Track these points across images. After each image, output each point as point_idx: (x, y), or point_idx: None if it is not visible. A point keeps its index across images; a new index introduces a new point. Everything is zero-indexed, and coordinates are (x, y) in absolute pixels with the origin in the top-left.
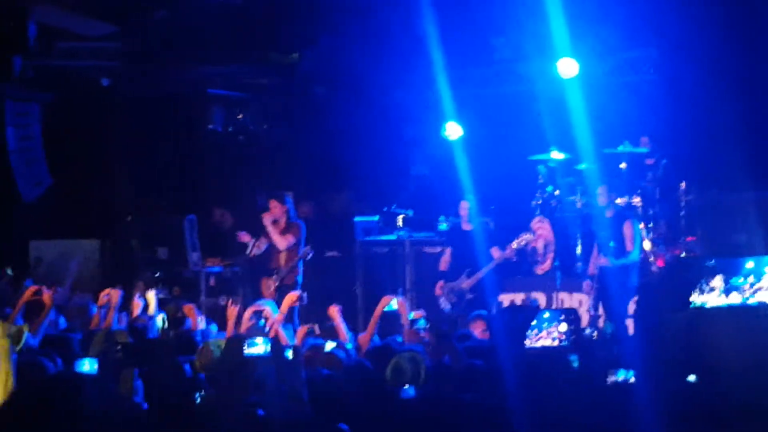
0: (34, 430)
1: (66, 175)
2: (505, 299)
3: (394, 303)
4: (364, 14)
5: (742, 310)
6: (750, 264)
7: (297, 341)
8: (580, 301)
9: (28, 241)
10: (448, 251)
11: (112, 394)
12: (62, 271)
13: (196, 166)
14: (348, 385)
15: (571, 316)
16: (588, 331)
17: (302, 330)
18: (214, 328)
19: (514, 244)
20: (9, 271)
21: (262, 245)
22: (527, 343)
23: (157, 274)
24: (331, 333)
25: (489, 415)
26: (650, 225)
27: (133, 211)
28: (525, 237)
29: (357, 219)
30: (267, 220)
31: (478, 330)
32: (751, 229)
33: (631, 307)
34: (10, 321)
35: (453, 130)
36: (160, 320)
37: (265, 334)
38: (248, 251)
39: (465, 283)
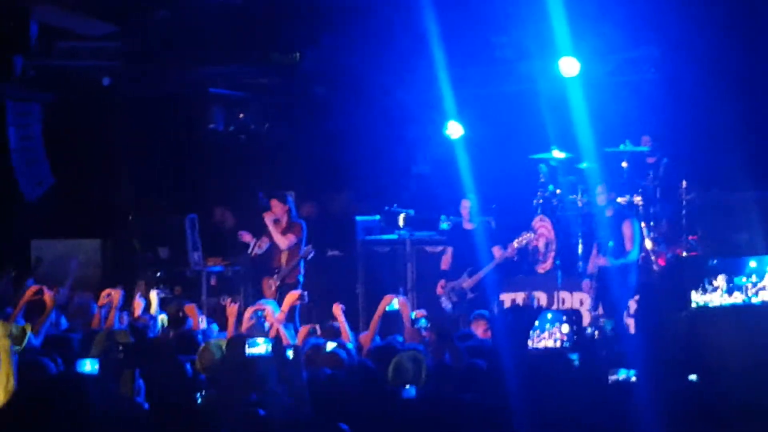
0: (35, 431)
1: (67, 174)
2: (507, 298)
3: (395, 302)
4: (365, 14)
5: (744, 309)
6: (753, 263)
7: (298, 341)
8: (581, 300)
9: (30, 240)
10: (449, 250)
11: (113, 395)
12: (63, 270)
13: (197, 166)
14: (350, 384)
15: (573, 317)
16: (589, 330)
17: (304, 330)
18: (215, 327)
19: (516, 243)
20: (11, 273)
21: (264, 245)
22: (530, 344)
23: (159, 274)
24: (333, 333)
25: (490, 415)
26: (651, 224)
27: (134, 211)
28: (526, 236)
29: (358, 218)
30: (268, 219)
31: (479, 330)
32: (753, 229)
33: (632, 306)
34: (11, 321)
35: (454, 129)
36: (161, 320)
37: (266, 334)
38: (249, 251)
39: (466, 282)
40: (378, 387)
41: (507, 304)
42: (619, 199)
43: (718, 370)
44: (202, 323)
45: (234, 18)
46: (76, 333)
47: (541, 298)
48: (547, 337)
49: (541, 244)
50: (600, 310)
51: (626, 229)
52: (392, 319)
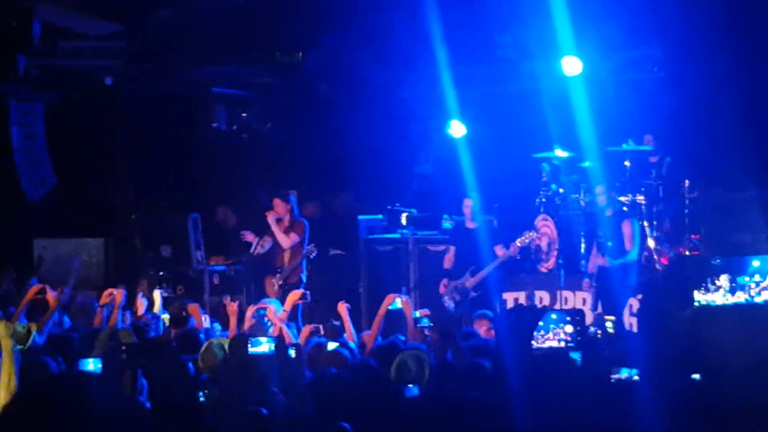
0: (37, 430)
1: (70, 174)
2: (509, 297)
3: (398, 302)
4: (368, 13)
5: (747, 308)
6: (756, 263)
7: (301, 341)
8: (584, 299)
9: (32, 240)
10: (451, 249)
11: (116, 394)
12: (66, 270)
13: (200, 165)
14: (353, 383)
15: (577, 317)
16: (592, 329)
17: (307, 330)
18: (218, 326)
19: (518, 242)
20: (13, 272)
21: (266, 244)
22: (534, 344)
23: (161, 273)
24: (335, 332)
25: (492, 414)
26: (654, 223)
27: (137, 210)
28: (529, 235)
29: (361, 217)
30: (271, 218)
31: (482, 329)
32: (755, 228)
33: (634, 305)
34: (14, 320)
35: (457, 129)
36: (165, 319)
37: (268, 333)
38: (252, 250)
39: (469, 281)
40: (381, 386)
41: (509, 304)
42: (621, 198)
43: (720, 369)
44: (206, 322)
45: (237, 17)
46: (77, 332)
47: (544, 297)
48: (552, 338)
49: (543, 244)
50: (600, 309)
51: (626, 228)
52: (395, 318)
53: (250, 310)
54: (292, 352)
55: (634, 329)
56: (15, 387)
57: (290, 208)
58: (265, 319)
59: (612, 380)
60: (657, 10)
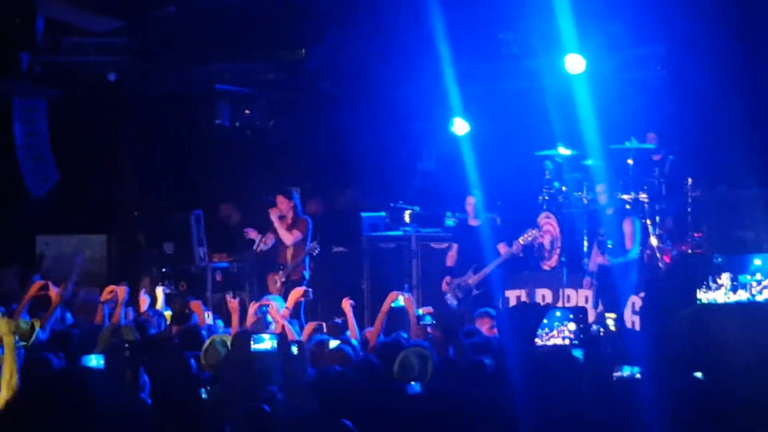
0: (39, 427)
1: (73, 170)
2: (512, 295)
3: (401, 299)
4: (371, 10)
5: (749, 307)
6: (757, 261)
7: (303, 338)
8: (586, 297)
9: (35, 236)
10: (454, 247)
11: (118, 390)
12: (68, 266)
13: (203, 162)
14: (355, 381)
15: (580, 315)
16: (594, 327)
17: (309, 327)
18: (220, 323)
19: (521, 240)
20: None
21: (269, 241)
22: (538, 342)
23: (164, 270)
24: (338, 330)
25: (495, 412)
26: (657, 221)
27: (140, 207)
28: (531, 233)
29: (364, 215)
30: (274, 215)
31: (484, 326)
32: (758, 226)
33: (637, 303)
34: (16, 316)
35: (460, 126)
36: (167, 316)
37: (271, 330)
38: (255, 247)
39: (471, 279)
40: (384, 383)
41: (512, 301)
42: (624, 196)
43: (722, 367)
44: (208, 319)
45: (240, 14)
46: (79, 329)
47: (547, 295)
48: (557, 335)
49: (546, 241)
50: (600, 307)
51: (627, 227)
52: (397, 315)
53: (253, 307)
54: (295, 349)
55: (636, 327)
56: (17, 383)
57: (293, 205)
58: (268, 316)
59: (614, 378)
60: (661, 8)
